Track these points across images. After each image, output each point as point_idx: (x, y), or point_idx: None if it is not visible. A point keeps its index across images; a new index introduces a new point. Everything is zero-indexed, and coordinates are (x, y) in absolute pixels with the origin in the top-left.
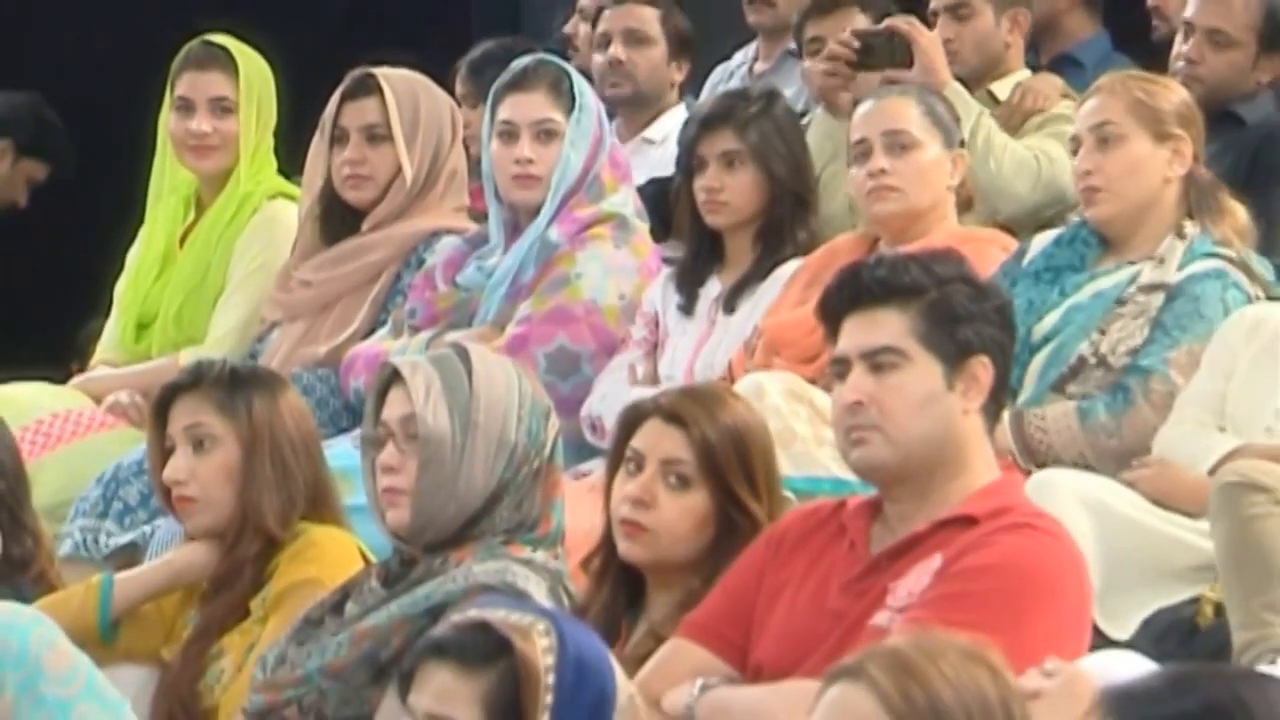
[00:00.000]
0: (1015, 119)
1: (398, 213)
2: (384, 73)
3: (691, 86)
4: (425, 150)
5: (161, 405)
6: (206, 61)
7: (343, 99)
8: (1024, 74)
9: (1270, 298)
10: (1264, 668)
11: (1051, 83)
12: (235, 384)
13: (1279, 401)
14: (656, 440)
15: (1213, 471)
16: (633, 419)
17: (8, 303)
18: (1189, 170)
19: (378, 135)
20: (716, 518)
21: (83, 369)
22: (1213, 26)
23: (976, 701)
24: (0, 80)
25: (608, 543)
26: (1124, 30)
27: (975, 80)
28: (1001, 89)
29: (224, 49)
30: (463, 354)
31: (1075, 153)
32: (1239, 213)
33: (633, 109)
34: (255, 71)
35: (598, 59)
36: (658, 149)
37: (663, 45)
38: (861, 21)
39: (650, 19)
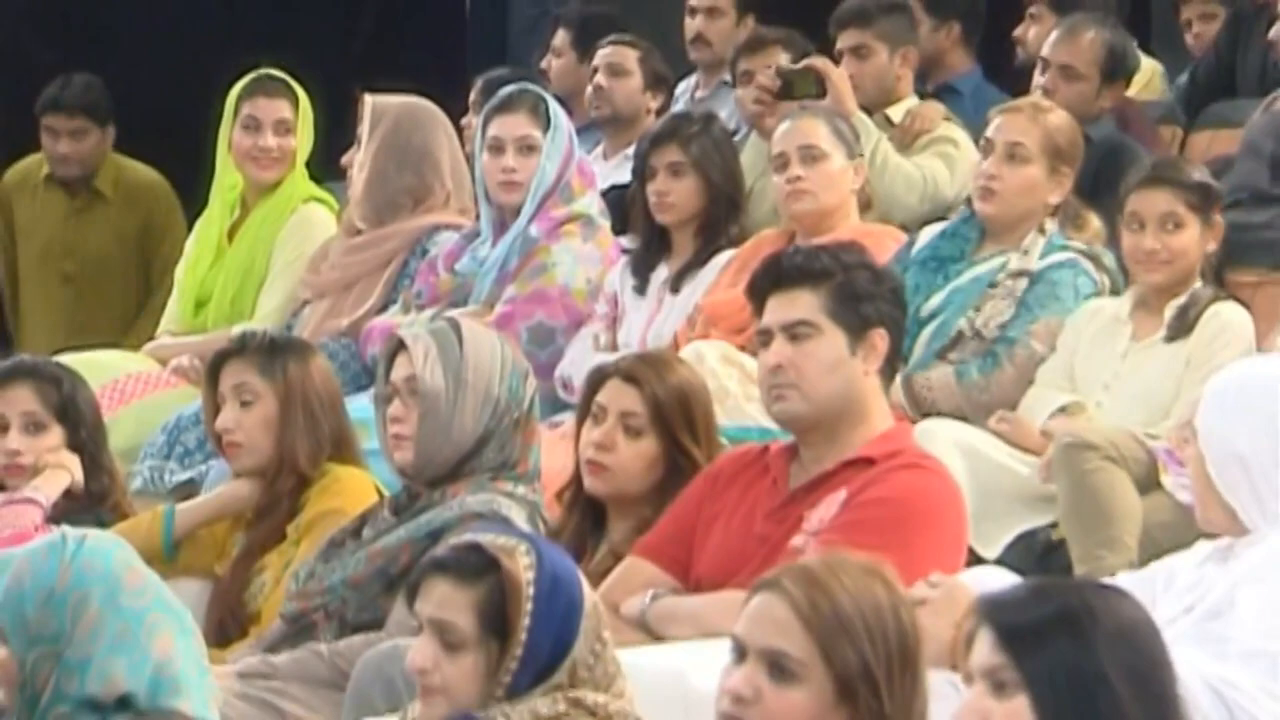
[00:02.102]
0: (907, 138)
1: (376, 205)
2: (373, 98)
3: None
4: (386, 159)
5: (213, 368)
6: (273, 90)
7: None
8: (913, 101)
9: (1114, 286)
10: None
11: (936, 109)
12: (273, 351)
13: (1115, 366)
14: (616, 396)
15: (1045, 431)
16: (597, 379)
17: None
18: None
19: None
20: (664, 460)
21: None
22: (1064, 62)
23: (871, 607)
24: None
25: (577, 480)
26: (992, 64)
27: (873, 106)
28: (895, 113)
29: (285, 81)
30: (455, 326)
31: (984, 152)
32: (1095, 222)
33: (613, 128)
34: (305, 100)
35: (589, 88)
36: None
37: (639, 78)
38: (784, 59)
39: (630, 56)
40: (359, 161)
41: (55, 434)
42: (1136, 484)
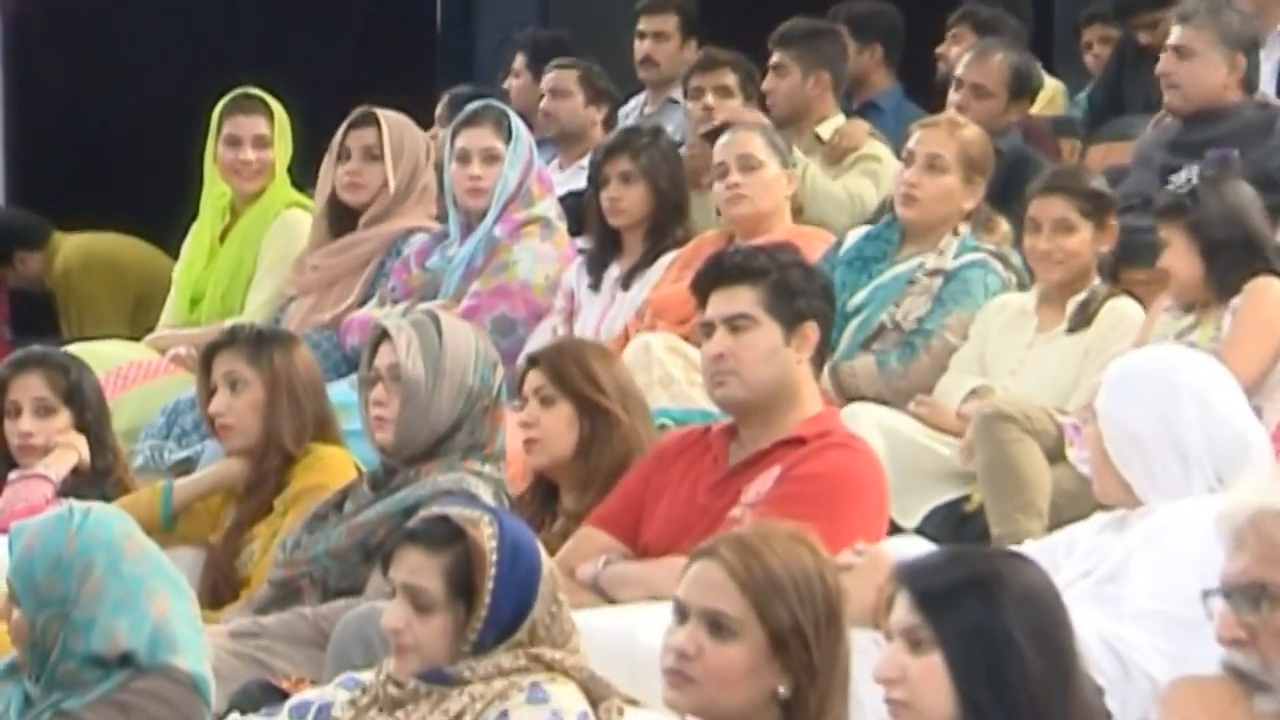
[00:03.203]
0: (835, 155)
1: (382, 214)
2: (381, 111)
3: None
4: (405, 169)
5: (206, 358)
6: (250, 108)
7: (349, 127)
8: (839, 118)
9: (1020, 282)
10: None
11: (861, 126)
12: (260, 341)
13: (1021, 354)
14: (529, 381)
15: (959, 412)
16: (523, 373)
17: None
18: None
19: (373, 155)
20: (581, 416)
21: None
22: (975, 82)
23: (799, 570)
24: (87, 113)
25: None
26: (912, 83)
27: (788, 121)
28: (824, 130)
29: (261, 99)
30: (435, 319)
31: (906, 163)
32: (1003, 226)
33: (565, 143)
34: (281, 115)
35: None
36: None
37: (580, 96)
38: (731, 79)
39: (570, 79)
40: (394, 173)
41: (63, 416)
42: (1045, 455)
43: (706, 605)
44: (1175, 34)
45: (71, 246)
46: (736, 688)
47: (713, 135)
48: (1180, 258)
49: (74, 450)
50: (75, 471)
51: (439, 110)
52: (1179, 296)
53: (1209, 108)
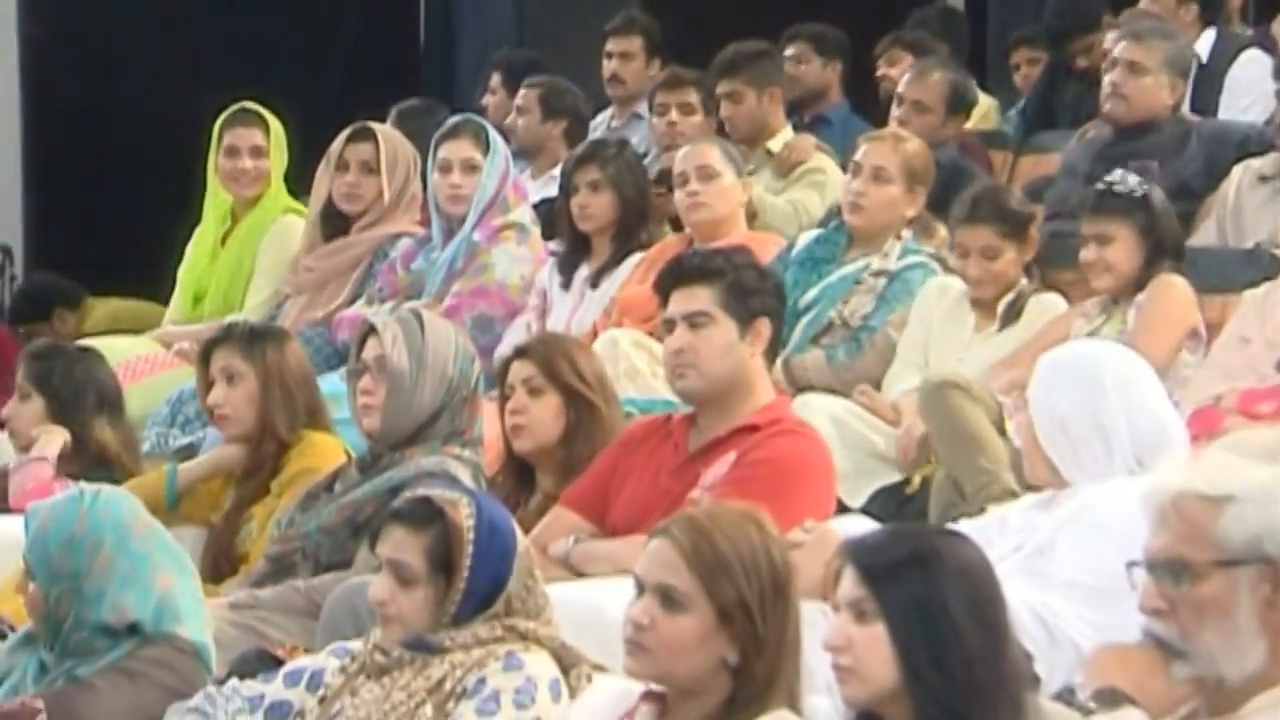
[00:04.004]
0: (785, 167)
1: (374, 221)
2: (378, 125)
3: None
4: (397, 181)
5: (204, 353)
6: (248, 121)
7: (347, 140)
8: (788, 132)
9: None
10: (994, 507)
11: (808, 140)
12: (254, 337)
13: (960, 353)
14: (516, 370)
15: (894, 403)
16: (504, 366)
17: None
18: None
19: (369, 168)
20: (567, 407)
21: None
22: (915, 98)
23: (746, 549)
24: (98, 119)
25: (505, 450)
26: (858, 99)
27: (749, 140)
28: (775, 144)
29: (258, 113)
30: (418, 316)
31: (853, 173)
32: (942, 231)
33: (525, 155)
34: (277, 127)
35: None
36: (557, 182)
37: (537, 114)
38: (694, 96)
39: (531, 97)
40: (389, 185)
41: (37, 402)
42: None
43: (659, 580)
44: (1127, 50)
45: (101, 311)
46: (687, 656)
47: (662, 177)
48: (1124, 252)
49: (58, 433)
50: (66, 457)
51: (388, 122)
52: (1113, 290)
53: (1141, 121)
